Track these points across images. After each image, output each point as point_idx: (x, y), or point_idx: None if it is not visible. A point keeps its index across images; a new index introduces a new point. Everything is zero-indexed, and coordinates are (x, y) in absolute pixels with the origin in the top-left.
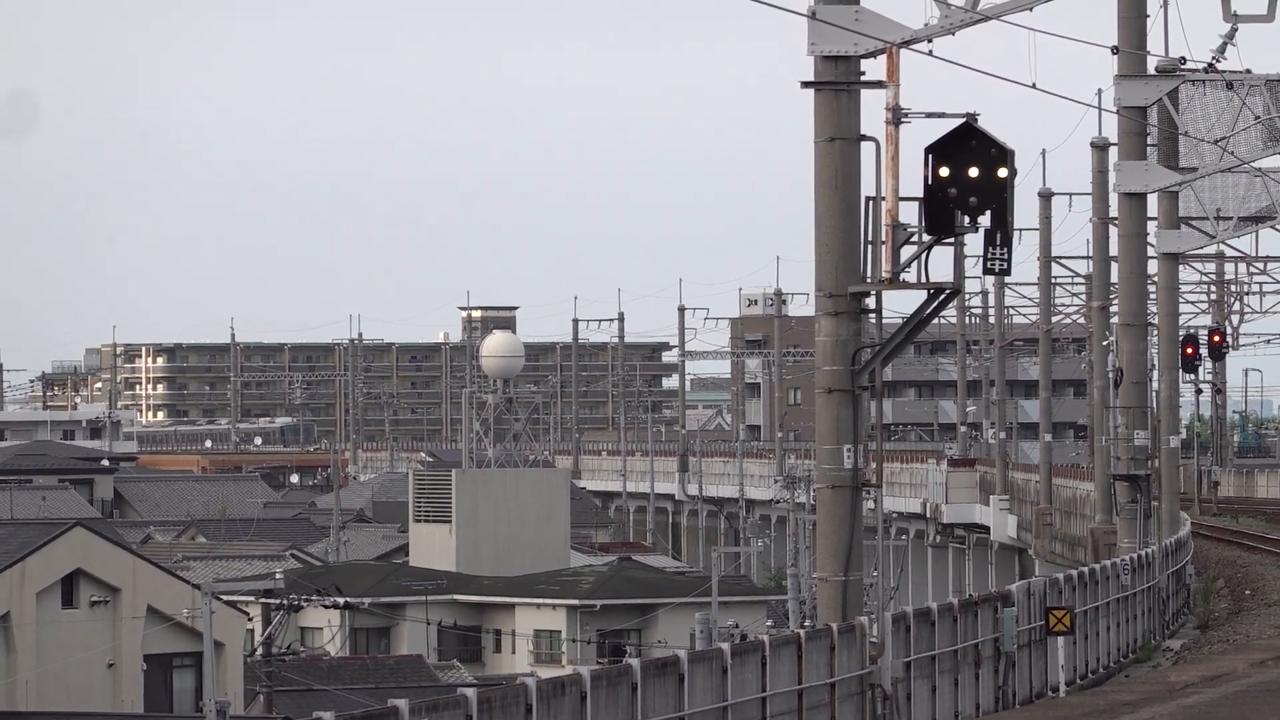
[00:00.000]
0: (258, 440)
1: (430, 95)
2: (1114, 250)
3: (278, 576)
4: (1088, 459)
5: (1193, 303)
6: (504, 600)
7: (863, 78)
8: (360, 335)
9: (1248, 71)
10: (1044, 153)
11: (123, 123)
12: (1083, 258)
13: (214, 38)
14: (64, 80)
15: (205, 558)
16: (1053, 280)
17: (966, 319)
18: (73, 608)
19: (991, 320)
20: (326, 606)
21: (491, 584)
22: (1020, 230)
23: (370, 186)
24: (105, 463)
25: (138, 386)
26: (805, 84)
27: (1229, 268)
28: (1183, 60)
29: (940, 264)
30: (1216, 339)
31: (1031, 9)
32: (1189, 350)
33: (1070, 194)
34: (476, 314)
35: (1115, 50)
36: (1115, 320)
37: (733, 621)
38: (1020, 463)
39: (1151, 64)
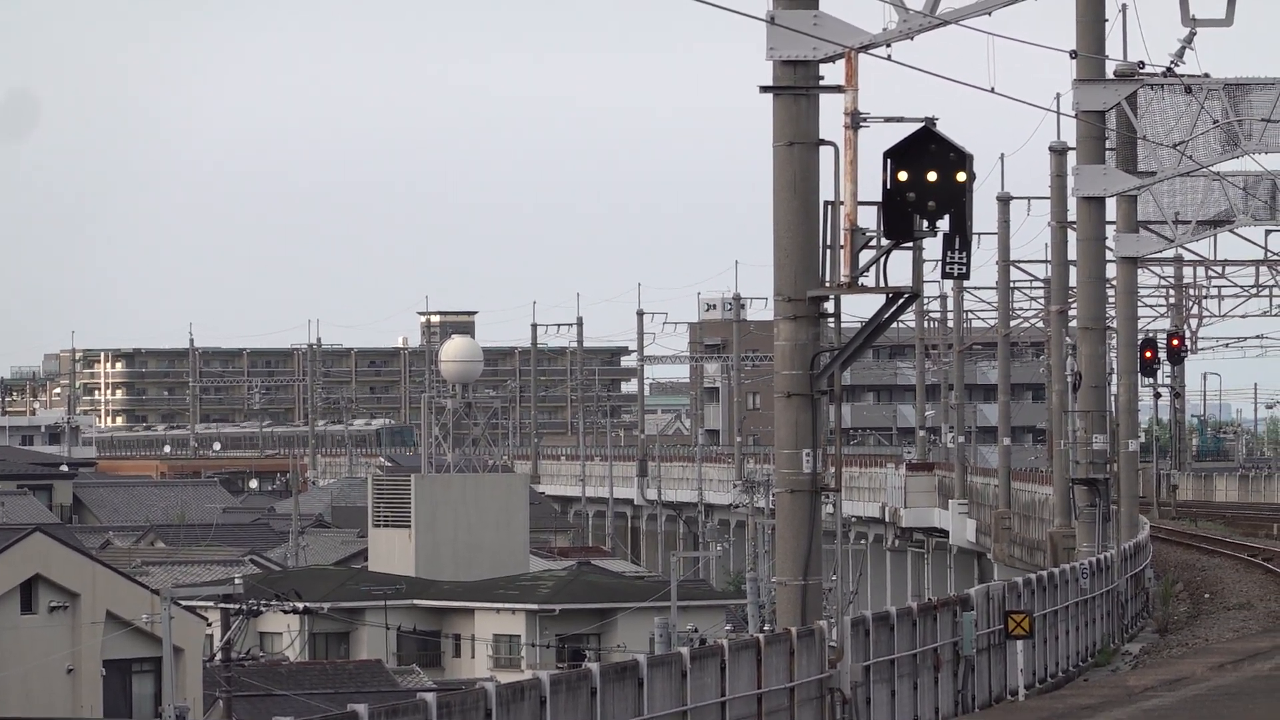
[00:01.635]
0: (216, 445)
1: (389, 101)
2: (1072, 254)
3: (237, 581)
4: (1046, 463)
5: (1151, 306)
6: (463, 605)
7: (821, 82)
8: (319, 340)
9: (1206, 75)
10: (1003, 157)
11: (81, 131)
12: (1041, 262)
13: (179, 47)
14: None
15: (164, 563)
16: (1011, 284)
17: (925, 323)
18: (32, 613)
19: (950, 324)
20: (286, 611)
21: (451, 589)
22: (979, 234)
23: (329, 191)
24: (64, 468)
25: (96, 392)
26: (764, 89)
27: (1187, 271)
28: (1141, 64)
29: (899, 268)
30: (1175, 343)
31: (990, 13)
32: (1148, 354)
33: (1029, 198)
34: (435, 319)
35: (1074, 54)
36: (1074, 324)
37: (692, 626)
38: (979, 467)
39: (1110, 68)
